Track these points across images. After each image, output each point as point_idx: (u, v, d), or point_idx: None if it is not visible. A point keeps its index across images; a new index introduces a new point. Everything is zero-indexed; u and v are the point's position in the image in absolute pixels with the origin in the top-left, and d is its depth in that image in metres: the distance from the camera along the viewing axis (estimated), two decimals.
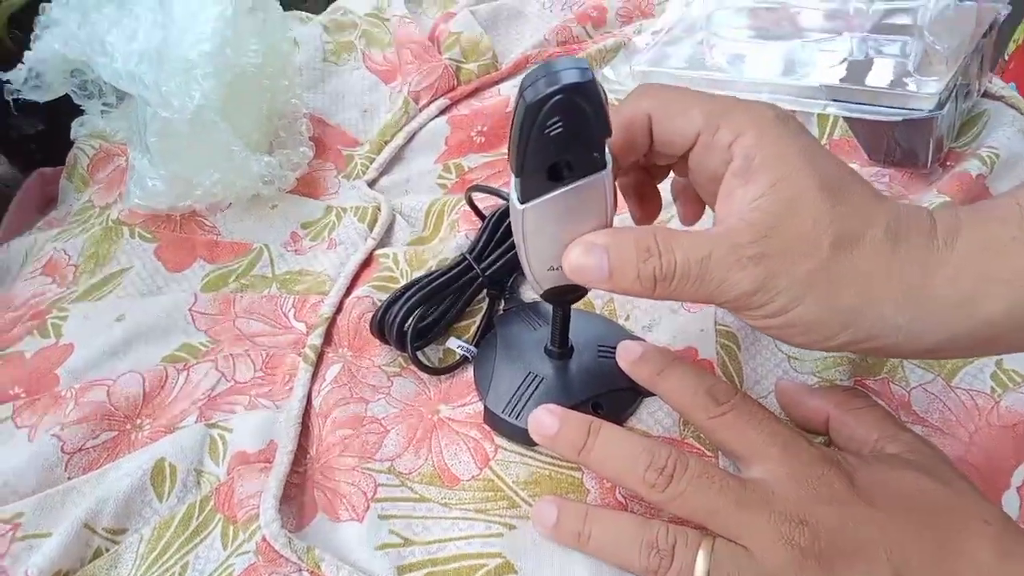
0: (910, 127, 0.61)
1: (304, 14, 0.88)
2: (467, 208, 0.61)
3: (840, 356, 0.50)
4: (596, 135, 0.35)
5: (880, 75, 0.62)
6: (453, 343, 0.53)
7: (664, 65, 0.70)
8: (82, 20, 0.62)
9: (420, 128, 0.72)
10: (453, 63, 0.76)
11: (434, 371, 0.52)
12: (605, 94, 0.35)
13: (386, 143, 0.71)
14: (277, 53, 0.67)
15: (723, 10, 0.76)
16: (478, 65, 0.77)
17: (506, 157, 0.63)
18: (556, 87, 0.33)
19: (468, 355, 0.52)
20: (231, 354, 0.55)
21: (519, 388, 0.47)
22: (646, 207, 0.46)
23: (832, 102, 0.64)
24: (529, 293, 0.57)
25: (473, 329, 0.55)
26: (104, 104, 0.77)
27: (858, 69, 0.64)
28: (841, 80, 0.63)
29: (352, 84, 0.77)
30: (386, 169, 0.70)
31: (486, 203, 0.61)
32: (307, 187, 0.68)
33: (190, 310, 0.58)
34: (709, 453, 0.46)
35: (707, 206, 0.45)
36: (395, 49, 0.79)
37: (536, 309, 0.54)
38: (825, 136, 0.66)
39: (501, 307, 0.56)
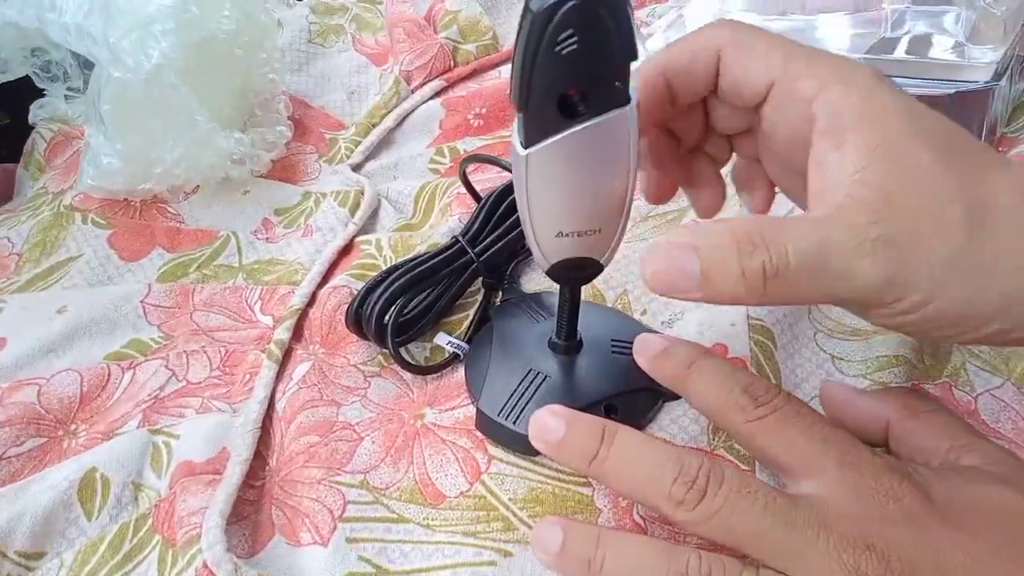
0: (962, 103, 0.54)
1: (289, 2, 0.82)
2: (461, 191, 0.54)
3: (895, 355, 0.43)
4: (619, 57, 0.28)
5: (927, 46, 0.56)
6: (442, 339, 0.46)
7: None
8: None
9: (412, 110, 0.65)
10: (450, 43, 0.69)
11: (419, 370, 0.44)
12: (631, 6, 0.28)
13: (374, 125, 0.64)
14: (254, 24, 0.60)
15: None
16: (477, 46, 0.70)
17: (508, 140, 0.56)
18: None
19: (459, 352, 0.45)
20: (185, 351, 0.47)
21: (518, 387, 0.40)
22: (705, 197, 0.39)
23: None
24: (531, 284, 0.50)
25: (466, 324, 0.47)
26: (69, 89, 0.70)
27: (900, 43, 0.57)
28: (881, 53, 0.57)
29: (339, 65, 0.71)
30: (373, 153, 0.63)
31: (484, 186, 0.54)
32: (284, 172, 0.61)
33: (142, 302, 0.51)
34: (745, 467, 0.38)
35: (779, 191, 0.38)
36: (387, 28, 0.73)
37: (539, 300, 0.46)
38: None
39: (498, 299, 0.49)
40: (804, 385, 0.42)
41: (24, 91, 0.70)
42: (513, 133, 0.31)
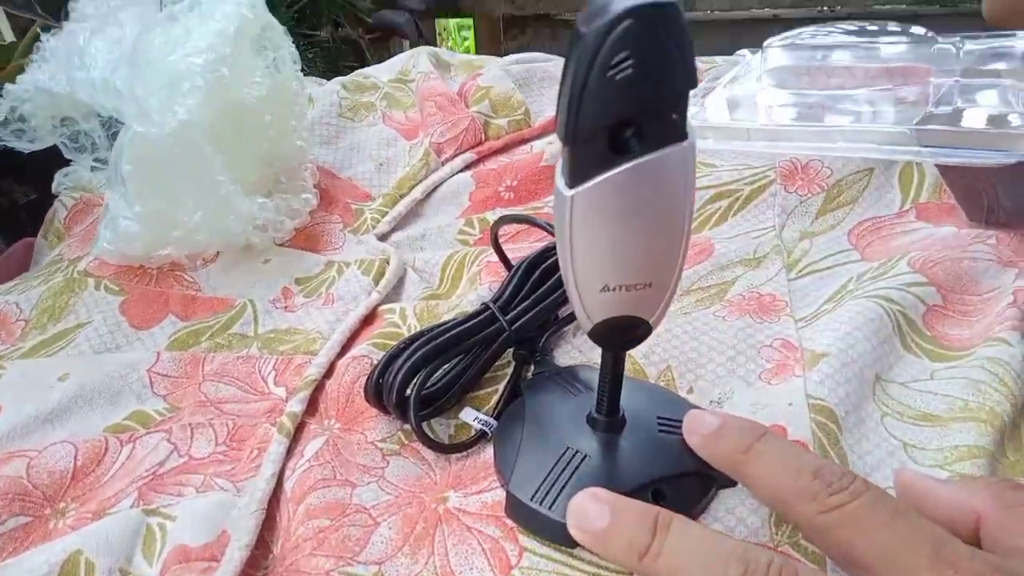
0: (1017, 176, 0.50)
1: (321, 80, 0.83)
2: (492, 259, 0.51)
3: (976, 445, 0.38)
4: (678, 84, 0.25)
5: (978, 118, 0.53)
6: (468, 414, 0.42)
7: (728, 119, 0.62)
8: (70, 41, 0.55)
9: (441, 182, 0.63)
10: (481, 116, 0.68)
11: (443, 448, 0.40)
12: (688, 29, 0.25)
13: (402, 196, 0.62)
14: (285, 91, 0.59)
15: (780, 68, 0.68)
16: (509, 120, 0.69)
17: (541, 213, 0.53)
18: (627, 8, 0.23)
19: (487, 429, 0.41)
20: (190, 423, 0.44)
21: (554, 468, 0.36)
22: None
23: (925, 149, 0.54)
24: (565, 357, 0.46)
25: (495, 399, 0.43)
26: (96, 160, 0.69)
27: (950, 115, 0.55)
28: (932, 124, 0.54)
29: (368, 138, 0.69)
30: (400, 224, 0.61)
31: (516, 255, 0.51)
32: (307, 240, 0.59)
33: (149, 371, 0.48)
34: (815, 566, 0.33)
35: None
36: (418, 103, 0.72)
37: (574, 374, 0.42)
38: (909, 200, 0.56)
39: (530, 372, 0.45)
40: (874, 475, 0.38)
41: (52, 166, 0.69)
42: (556, 173, 0.28)
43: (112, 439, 0.44)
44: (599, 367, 0.43)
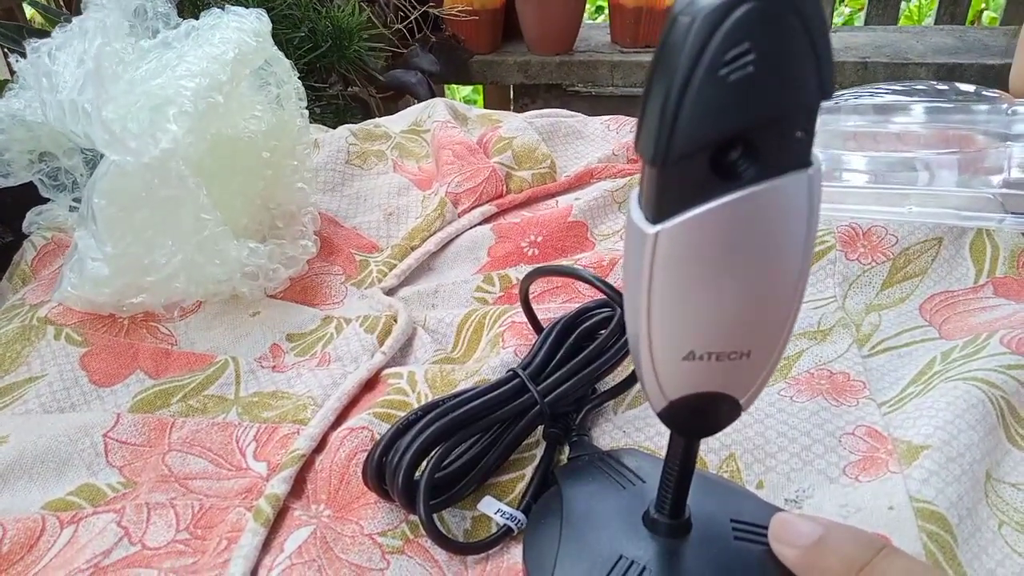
0: None
1: (327, 128, 0.77)
2: (517, 320, 0.44)
3: None
4: (810, 92, 0.19)
5: None
6: (490, 505, 0.34)
7: None
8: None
9: (458, 235, 0.57)
10: (503, 168, 0.62)
11: (458, 547, 0.32)
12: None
13: (413, 248, 0.55)
14: (287, 128, 0.53)
15: (824, 131, 0.63)
16: (533, 173, 0.63)
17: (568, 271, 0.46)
18: None
19: (513, 525, 0.33)
20: (147, 503, 0.36)
21: None
22: None
23: (1010, 215, 0.48)
24: (606, 437, 0.38)
25: (521, 486, 0.36)
26: (75, 200, 0.63)
27: None
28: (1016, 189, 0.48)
29: (377, 186, 0.63)
30: (410, 279, 0.54)
31: (545, 316, 0.44)
32: (302, 293, 0.52)
33: (105, 435, 0.40)
34: None
35: None
36: (433, 152, 0.66)
37: (620, 461, 0.35)
38: (984, 275, 0.50)
39: (564, 455, 0.37)
40: None
41: (32, 207, 0.63)
42: (630, 205, 0.21)
43: (51, 519, 0.35)
44: (653, 454, 0.36)
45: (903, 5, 1.87)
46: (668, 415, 0.25)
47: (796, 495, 0.35)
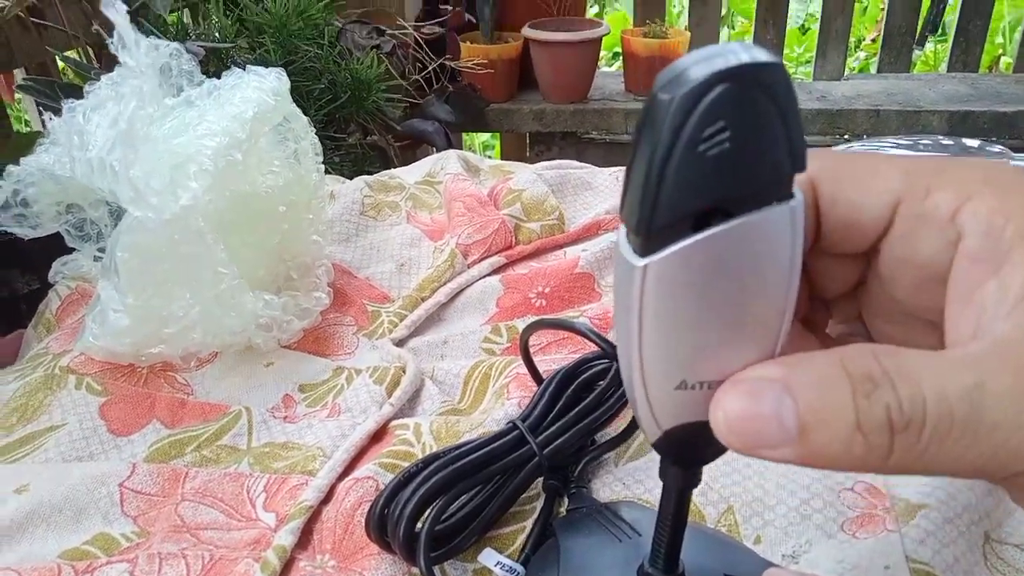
0: None
1: (343, 179, 0.79)
2: (521, 371, 0.45)
3: None
4: (784, 164, 0.20)
5: None
6: (489, 557, 0.35)
7: None
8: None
9: (467, 285, 0.58)
10: (512, 219, 0.64)
11: None
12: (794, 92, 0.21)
13: (423, 299, 0.57)
14: (303, 182, 0.55)
15: None
16: (542, 225, 0.64)
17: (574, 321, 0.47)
18: (722, 69, 0.19)
19: None
20: (159, 553, 0.37)
21: None
22: None
23: None
24: (606, 489, 0.39)
25: (521, 538, 0.36)
26: (99, 250, 0.65)
27: None
28: None
29: (390, 237, 0.65)
30: (419, 329, 0.55)
31: (549, 367, 0.45)
32: (315, 343, 0.53)
33: (121, 485, 0.41)
34: None
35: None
36: (445, 204, 0.68)
37: (618, 513, 0.35)
38: None
39: (563, 507, 0.38)
40: None
41: (57, 256, 0.65)
42: (618, 238, 0.22)
43: (66, 567, 0.37)
44: (650, 505, 0.37)
45: (916, 53, 1.89)
46: (663, 445, 0.25)
47: (794, 550, 0.35)
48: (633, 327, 0.22)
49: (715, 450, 0.26)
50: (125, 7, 0.50)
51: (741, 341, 0.23)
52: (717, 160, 0.19)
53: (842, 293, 0.26)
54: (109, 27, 0.50)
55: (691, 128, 0.19)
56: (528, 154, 1.78)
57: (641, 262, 0.21)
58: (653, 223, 0.20)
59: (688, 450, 0.26)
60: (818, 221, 0.24)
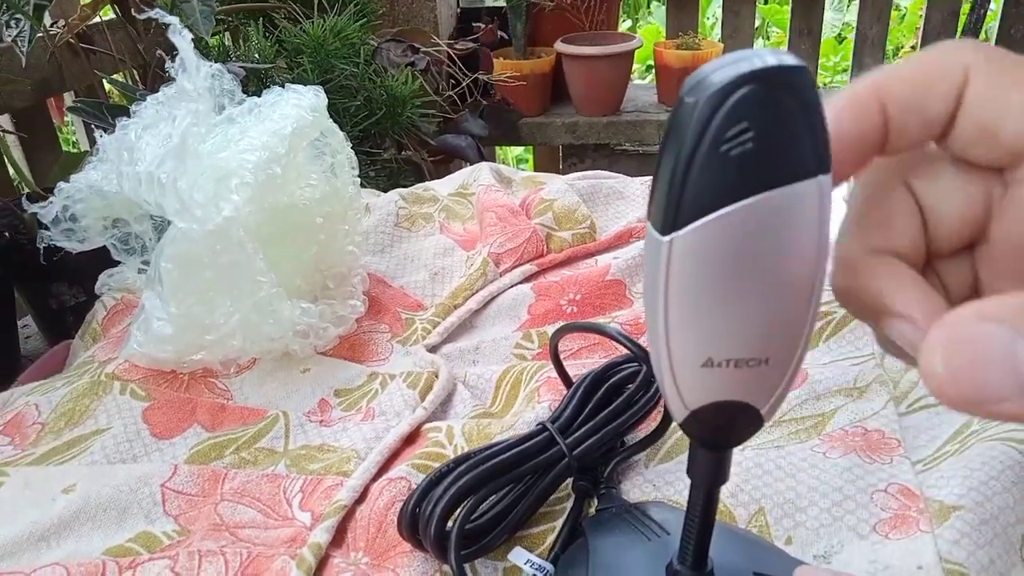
0: None
1: (379, 192, 0.81)
2: (552, 375, 0.45)
3: None
4: (808, 164, 0.20)
5: None
6: (519, 556, 0.35)
7: None
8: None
9: (499, 293, 0.59)
10: (544, 228, 0.64)
11: None
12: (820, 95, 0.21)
13: (456, 307, 0.58)
14: (340, 194, 0.57)
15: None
16: (573, 234, 0.65)
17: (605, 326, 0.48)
18: (746, 72, 0.19)
19: (541, 575, 0.34)
20: (199, 550, 0.38)
21: None
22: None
23: None
24: (635, 490, 0.39)
25: (551, 538, 0.37)
26: (143, 263, 0.67)
27: None
28: None
29: (424, 247, 0.66)
30: (452, 336, 0.56)
31: (578, 371, 0.45)
32: (351, 350, 0.54)
33: (163, 486, 0.43)
34: None
35: None
36: (477, 214, 0.69)
37: (647, 513, 0.36)
38: None
39: (592, 508, 0.38)
40: None
41: (104, 269, 0.68)
42: (647, 220, 0.23)
43: (111, 563, 0.38)
44: (680, 506, 0.37)
45: None
46: (690, 426, 0.25)
47: (825, 551, 0.35)
48: (659, 304, 0.22)
49: (742, 433, 0.26)
50: (190, 35, 0.52)
51: (768, 318, 0.22)
52: (740, 160, 0.20)
53: (959, 245, 0.24)
54: (151, 50, 0.52)
55: (715, 129, 0.20)
56: (561, 167, 1.79)
57: (667, 237, 0.21)
58: (678, 222, 0.21)
59: (716, 432, 0.26)
60: (956, 114, 0.22)
